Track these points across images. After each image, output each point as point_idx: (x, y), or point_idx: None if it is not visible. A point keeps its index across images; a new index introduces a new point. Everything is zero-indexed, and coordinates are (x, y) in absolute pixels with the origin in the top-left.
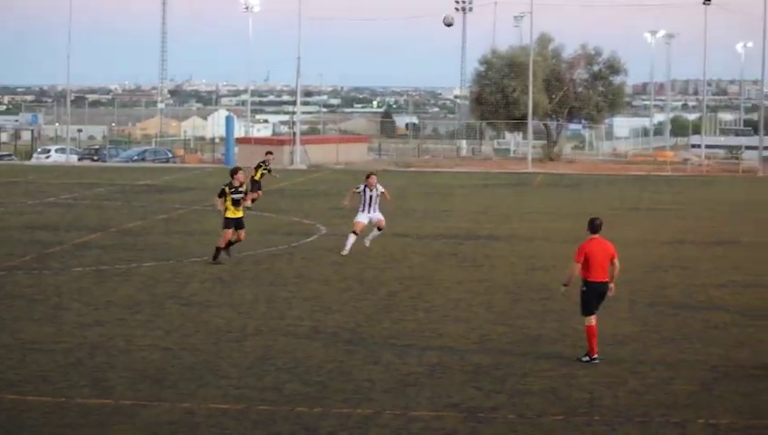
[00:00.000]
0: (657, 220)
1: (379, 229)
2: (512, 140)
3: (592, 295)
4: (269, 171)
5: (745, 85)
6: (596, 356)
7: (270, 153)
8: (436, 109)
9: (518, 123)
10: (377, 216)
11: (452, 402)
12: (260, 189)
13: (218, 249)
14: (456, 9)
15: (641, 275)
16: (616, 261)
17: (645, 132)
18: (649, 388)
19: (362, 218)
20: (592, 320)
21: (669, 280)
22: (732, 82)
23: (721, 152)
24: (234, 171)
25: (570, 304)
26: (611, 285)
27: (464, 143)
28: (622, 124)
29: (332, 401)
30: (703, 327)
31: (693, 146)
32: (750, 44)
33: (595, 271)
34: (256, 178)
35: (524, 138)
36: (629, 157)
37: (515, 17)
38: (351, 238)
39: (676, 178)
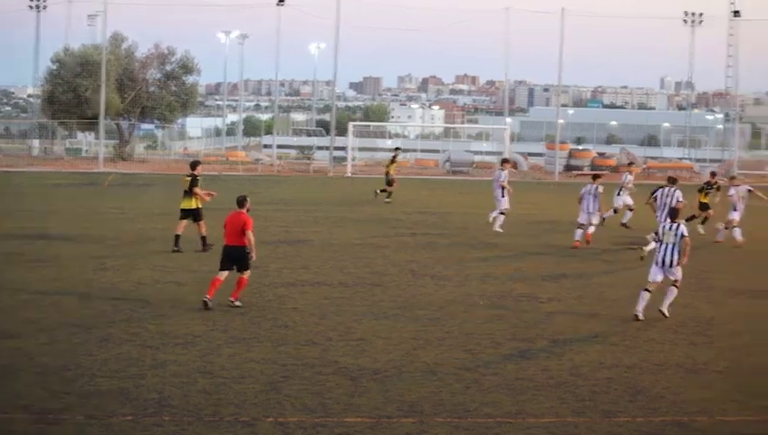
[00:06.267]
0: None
1: None
2: (84, 139)
3: (224, 255)
4: None
5: (318, 86)
6: (210, 297)
7: None
8: (9, 108)
9: (90, 123)
10: None
11: (21, 404)
12: None
13: (204, 238)
14: (30, 7)
15: (207, 276)
16: (248, 232)
17: (218, 132)
18: (219, 387)
19: None
20: (219, 275)
21: None
22: (305, 82)
23: (293, 152)
24: (196, 164)
25: (127, 303)
26: (252, 254)
27: (36, 142)
28: (195, 124)
29: None
30: (272, 326)
31: (265, 146)
32: (323, 46)
33: (227, 236)
34: None
35: (96, 137)
36: (202, 157)
37: (89, 16)
38: None
39: (248, 178)
